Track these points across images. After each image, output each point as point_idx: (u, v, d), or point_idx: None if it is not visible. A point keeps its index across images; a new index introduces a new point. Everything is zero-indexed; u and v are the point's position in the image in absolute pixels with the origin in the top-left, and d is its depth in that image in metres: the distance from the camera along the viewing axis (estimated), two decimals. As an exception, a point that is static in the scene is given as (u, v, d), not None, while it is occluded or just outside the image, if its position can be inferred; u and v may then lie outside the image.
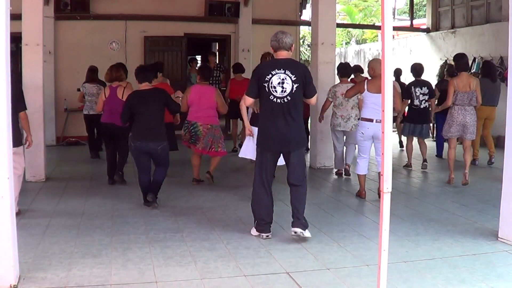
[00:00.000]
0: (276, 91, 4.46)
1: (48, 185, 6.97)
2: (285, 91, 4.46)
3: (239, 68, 9.83)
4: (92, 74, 9.16)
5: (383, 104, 2.95)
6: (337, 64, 8.06)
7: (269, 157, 4.67)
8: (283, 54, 4.57)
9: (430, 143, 9.65)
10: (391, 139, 3.04)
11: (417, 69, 8.22)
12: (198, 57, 17.06)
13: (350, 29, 25.21)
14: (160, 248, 4.44)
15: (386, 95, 2.92)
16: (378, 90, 5.77)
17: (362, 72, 10.02)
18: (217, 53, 15.07)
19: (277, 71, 4.47)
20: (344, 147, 7.76)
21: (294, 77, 4.47)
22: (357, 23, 23.46)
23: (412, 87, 8.08)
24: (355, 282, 3.74)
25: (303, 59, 21.22)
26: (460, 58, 7.03)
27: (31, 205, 5.87)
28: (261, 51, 12.41)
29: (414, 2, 16.55)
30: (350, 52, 20.09)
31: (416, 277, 3.84)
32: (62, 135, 11.09)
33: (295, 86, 4.47)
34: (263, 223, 4.68)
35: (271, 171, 4.74)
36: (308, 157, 9.02)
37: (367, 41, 23.96)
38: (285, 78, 4.46)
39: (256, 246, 4.51)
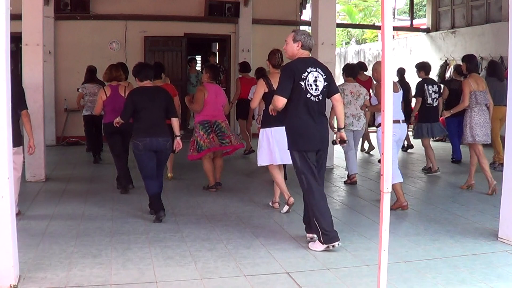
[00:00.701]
0: (312, 89, 4.41)
1: (48, 185, 6.98)
2: (318, 89, 4.44)
3: (246, 67, 9.77)
4: (91, 74, 9.13)
5: (383, 104, 2.95)
6: (337, 64, 8.05)
7: (311, 158, 4.46)
8: (307, 54, 4.55)
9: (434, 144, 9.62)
10: (390, 139, 3.04)
11: (427, 67, 8.07)
12: (198, 57, 17.06)
13: (350, 29, 25.23)
14: (160, 248, 4.44)
15: (386, 95, 2.93)
16: (394, 89, 5.72)
17: (366, 70, 9.99)
18: (217, 53, 15.06)
19: (311, 69, 4.42)
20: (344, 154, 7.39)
21: (325, 75, 4.48)
22: (357, 23, 23.47)
23: (425, 85, 7.87)
24: (355, 282, 3.74)
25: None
26: (471, 59, 6.84)
27: (31, 205, 5.87)
28: (261, 51, 12.46)
29: (414, 2, 16.55)
30: (350, 52, 20.10)
31: (416, 277, 3.84)
32: (62, 135, 11.10)
33: (325, 84, 4.48)
34: (331, 232, 4.36)
35: (315, 170, 4.48)
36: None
37: (367, 41, 23.98)
38: (318, 76, 4.43)
39: (256, 246, 4.51)
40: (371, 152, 9.99)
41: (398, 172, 5.77)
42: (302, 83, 4.38)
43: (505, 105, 8.00)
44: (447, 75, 12.67)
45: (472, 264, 4.10)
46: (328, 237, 4.33)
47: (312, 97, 4.42)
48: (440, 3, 13.65)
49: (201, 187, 6.84)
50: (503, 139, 8.27)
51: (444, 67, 12.83)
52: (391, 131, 3.01)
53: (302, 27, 14.41)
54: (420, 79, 8.01)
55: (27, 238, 4.54)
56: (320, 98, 4.47)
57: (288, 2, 12.89)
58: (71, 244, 4.49)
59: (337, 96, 4.60)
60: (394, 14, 19.86)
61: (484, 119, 6.56)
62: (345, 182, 7.27)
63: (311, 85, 4.40)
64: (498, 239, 4.65)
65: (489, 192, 6.44)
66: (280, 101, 4.38)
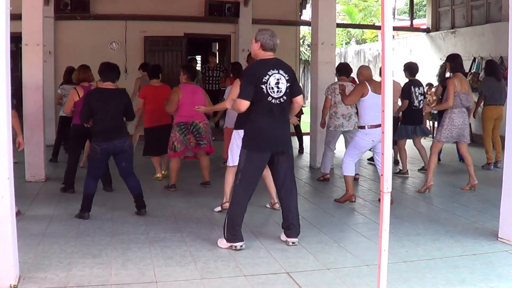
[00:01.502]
0: (273, 92, 4.35)
1: (48, 185, 6.97)
2: (281, 91, 4.38)
3: (238, 69, 9.76)
4: (70, 75, 8.99)
5: (383, 104, 2.95)
6: (337, 64, 8.01)
7: (260, 159, 4.47)
8: (271, 55, 4.45)
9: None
10: (390, 139, 3.04)
11: (413, 68, 7.84)
12: (198, 57, 17.06)
13: (350, 29, 25.24)
14: (160, 248, 4.44)
15: (386, 95, 2.93)
16: (377, 90, 5.72)
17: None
18: (217, 53, 15.08)
19: (272, 71, 4.36)
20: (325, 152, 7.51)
21: (287, 76, 4.41)
22: (357, 23, 23.47)
23: (412, 87, 7.79)
24: (355, 282, 3.74)
25: (303, 59, 21.23)
26: (455, 58, 6.70)
27: (31, 205, 5.87)
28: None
29: (414, 2, 16.56)
30: (350, 52, 20.10)
31: (416, 277, 3.84)
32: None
33: (287, 85, 4.41)
34: (238, 230, 4.44)
35: (259, 174, 4.57)
36: (307, 157, 9.04)
37: (367, 41, 23.99)
38: (280, 78, 4.37)
39: (256, 246, 4.51)
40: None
41: (353, 166, 6.03)
42: (263, 86, 4.33)
43: (501, 105, 8.06)
44: (447, 75, 12.68)
45: (472, 264, 4.10)
46: (234, 236, 4.40)
47: (273, 100, 4.37)
48: (440, 3, 13.64)
49: (202, 187, 6.83)
50: (502, 139, 8.34)
51: (444, 67, 12.78)
52: (391, 131, 3.01)
53: (302, 27, 14.41)
54: (407, 80, 7.85)
55: (27, 238, 4.53)
56: (283, 100, 4.41)
57: (288, 2, 12.89)
58: (71, 244, 4.49)
59: (298, 98, 4.54)
60: (394, 14, 19.87)
61: (463, 121, 6.49)
62: (318, 179, 7.48)
63: (272, 88, 4.34)
64: (498, 239, 4.65)
65: (423, 189, 6.61)
66: (243, 105, 4.37)
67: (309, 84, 9.88)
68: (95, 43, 11.31)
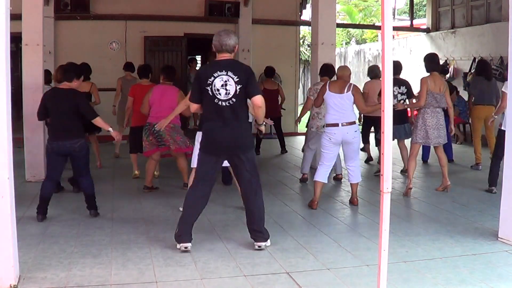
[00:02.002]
0: (220, 94, 4.24)
1: (48, 185, 6.96)
2: (228, 93, 4.24)
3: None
4: (48, 76, 8.98)
5: (383, 104, 2.95)
6: (337, 64, 7.99)
7: (211, 161, 4.42)
8: (224, 56, 4.34)
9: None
10: (390, 139, 3.04)
11: (395, 67, 7.52)
12: (198, 57, 17.06)
13: (350, 29, 25.24)
14: (160, 248, 4.44)
15: (386, 95, 2.92)
16: (339, 90, 5.68)
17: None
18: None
19: (219, 73, 4.25)
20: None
21: (237, 78, 4.24)
22: (357, 23, 23.47)
23: None
24: (355, 282, 3.74)
25: (303, 59, 21.22)
26: (432, 57, 6.55)
27: (31, 205, 5.86)
28: (261, 51, 12.54)
29: (414, 2, 16.56)
30: (350, 52, 20.10)
31: (416, 277, 3.84)
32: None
33: (238, 87, 4.24)
34: (186, 231, 4.37)
35: (212, 177, 4.48)
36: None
37: (367, 41, 23.99)
38: (228, 80, 4.24)
39: (254, 245, 4.50)
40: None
41: (323, 172, 5.82)
42: (208, 88, 4.26)
43: (492, 105, 7.97)
44: (447, 75, 12.68)
45: (472, 264, 4.10)
46: (179, 237, 4.36)
47: (221, 102, 4.26)
48: (440, 3, 13.65)
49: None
50: (484, 138, 8.35)
51: (444, 67, 12.82)
52: (391, 131, 3.01)
53: (302, 27, 14.40)
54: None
55: (27, 238, 4.54)
56: (232, 102, 4.26)
57: (288, 2, 12.89)
58: (71, 244, 4.49)
59: (254, 100, 4.29)
60: (394, 14, 19.87)
61: (437, 122, 6.35)
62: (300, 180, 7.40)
63: (218, 90, 4.24)
64: (498, 239, 4.66)
65: (404, 193, 6.46)
66: (192, 106, 4.46)
67: (309, 84, 9.88)
68: (95, 43, 11.31)
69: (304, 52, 21.72)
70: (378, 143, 9.15)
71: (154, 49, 11.93)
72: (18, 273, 3.70)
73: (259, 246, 4.40)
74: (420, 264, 4.09)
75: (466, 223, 5.27)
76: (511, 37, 4.51)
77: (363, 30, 23.92)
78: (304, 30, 20.64)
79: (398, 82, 7.60)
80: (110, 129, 5.38)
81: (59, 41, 11.16)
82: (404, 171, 7.91)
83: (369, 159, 9.05)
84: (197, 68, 14.16)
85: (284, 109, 10.67)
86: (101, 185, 7.00)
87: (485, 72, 8.22)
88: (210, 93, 4.27)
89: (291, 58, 13.06)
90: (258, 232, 4.44)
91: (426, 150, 8.63)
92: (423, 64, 6.66)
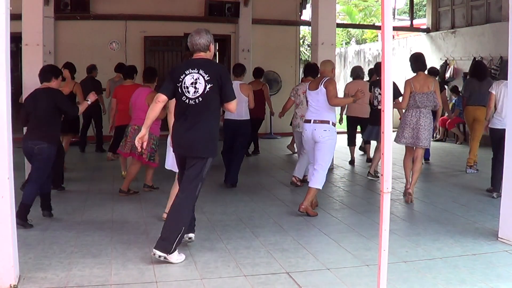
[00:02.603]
0: (188, 92, 4.12)
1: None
2: (197, 91, 4.11)
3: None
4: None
5: (383, 104, 2.95)
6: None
7: (178, 160, 4.34)
8: (199, 55, 4.24)
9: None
10: (390, 139, 3.04)
11: (379, 68, 7.69)
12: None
13: (350, 29, 25.24)
14: (160, 248, 4.44)
15: (386, 95, 2.93)
16: (315, 86, 5.60)
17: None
18: (217, 53, 15.07)
19: (190, 70, 4.15)
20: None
21: (208, 77, 4.11)
22: (357, 23, 23.47)
23: (372, 87, 7.72)
24: (355, 282, 3.74)
25: (303, 59, 21.23)
26: (417, 57, 6.36)
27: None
28: (261, 51, 12.54)
29: (414, 2, 16.57)
30: (350, 52, 20.10)
31: (416, 277, 3.84)
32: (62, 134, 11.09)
33: (208, 86, 4.10)
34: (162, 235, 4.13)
35: (181, 175, 4.31)
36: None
37: (367, 41, 23.99)
38: (198, 78, 4.12)
39: (256, 246, 4.51)
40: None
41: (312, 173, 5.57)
42: (179, 85, 4.16)
43: (480, 106, 7.86)
44: (447, 75, 12.69)
45: (472, 264, 4.10)
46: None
47: (188, 100, 4.13)
48: (440, 3, 13.65)
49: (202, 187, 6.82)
50: (483, 138, 8.29)
51: (444, 67, 12.84)
52: (391, 131, 3.01)
53: (302, 27, 14.40)
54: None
55: (27, 237, 4.54)
56: (199, 101, 4.11)
57: (288, 2, 12.90)
58: (71, 244, 4.49)
59: (228, 105, 4.18)
60: (394, 14, 19.87)
61: (417, 122, 6.08)
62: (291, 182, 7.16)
63: (187, 87, 4.12)
64: (498, 239, 4.66)
65: (408, 200, 6.15)
66: (158, 97, 4.17)
67: (309, 84, 9.91)
68: (95, 43, 11.33)
69: (304, 52, 21.73)
70: (366, 142, 9.19)
71: (154, 49, 11.94)
72: (18, 273, 3.70)
73: (154, 254, 4.07)
74: (420, 264, 4.09)
75: (466, 223, 5.27)
76: (511, 37, 4.51)
77: (363, 30, 23.93)
78: (304, 30, 20.64)
79: (380, 83, 7.57)
80: (89, 100, 5.47)
81: (59, 41, 11.18)
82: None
83: (368, 160, 9.03)
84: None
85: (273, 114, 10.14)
86: (101, 185, 7.02)
87: (477, 73, 8.12)
88: (180, 90, 4.17)
89: (291, 58, 13.07)
90: (160, 240, 4.11)
91: (427, 149, 8.60)
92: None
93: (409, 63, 6.42)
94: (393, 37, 15.81)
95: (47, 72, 5.44)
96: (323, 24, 8.13)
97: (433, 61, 13.05)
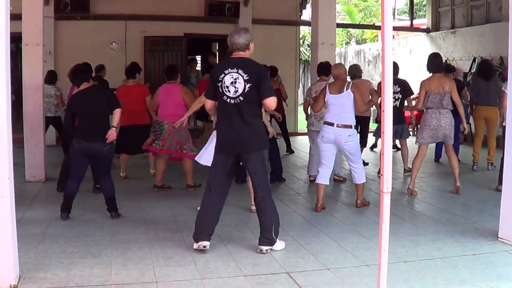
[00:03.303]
0: (229, 91, 4.21)
1: (48, 185, 6.97)
2: (237, 91, 4.19)
3: (207, 70, 10.12)
4: (49, 77, 8.99)
5: (383, 104, 2.95)
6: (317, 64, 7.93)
7: (222, 160, 4.38)
8: (238, 54, 4.33)
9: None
10: (390, 139, 3.04)
11: (393, 67, 7.84)
12: (198, 57, 17.05)
13: (350, 29, 25.23)
14: (160, 248, 4.44)
15: (386, 95, 2.92)
16: (339, 90, 5.65)
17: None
18: (217, 53, 15.07)
19: (230, 70, 4.22)
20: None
21: (247, 76, 4.18)
22: (357, 23, 23.47)
23: None
24: (355, 282, 3.74)
25: (303, 59, 21.22)
26: (433, 58, 6.52)
27: (31, 205, 5.86)
28: (261, 51, 12.50)
29: (414, 2, 16.56)
30: (350, 52, 20.10)
31: (416, 277, 3.84)
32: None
33: (247, 85, 4.18)
34: (200, 232, 4.37)
35: (222, 175, 4.40)
36: (307, 157, 9.02)
37: (367, 41, 23.99)
38: (238, 78, 4.19)
39: (256, 246, 4.50)
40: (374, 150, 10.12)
41: (324, 174, 5.74)
42: (219, 85, 4.25)
43: (490, 105, 7.93)
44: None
45: (472, 264, 4.10)
46: (196, 236, 4.37)
47: (229, 100, 4.22)
48: (440, 3, 13.65)
49: (202, 187, 6.83)
50: (501, 138, 8.32)
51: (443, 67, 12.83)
52: (391, 131, 3.01)
53: (302, 27, 14.40)
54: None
55: (27, 238, 4.53)
56: (240, 101, 4.20)
57: (288, 2, 12.89)
58: (71, 244, 4.49)
59: (266, 102, 4.24)
60: (394, 14, 19.87)
61: (438, 122, 6.25)
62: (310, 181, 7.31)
63: (227, 87, 4.21)
64: (498, 239, 4.65)
65: (408, 194, 6.46)
66: (207, 103, 4.44)
67: (309, 84, 9.89)
68: (95, 43, 11.32)
69: (304, 52, 21.73)
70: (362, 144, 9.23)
71: (154, 49, 11.93)
72: (18, 273, 3.70)
73: (260, 250, 4.33)
74: (420, 264, 4.09)
75: (466, 223, 5.27)
76: (511, 37, 4.51)
77: (363, 30, 23.92)
78: (304, 30, 20.64)
79: (396, 81, 7.64)
80: (116, 127, 5.35)
81: (59, 41, 11.17)
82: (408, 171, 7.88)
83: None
84: (197, 68, 14.17)
85: (287, 105, 10.62)
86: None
87: (485, 73, 8.19)
88: (220, 90, 4.26)
89: (291, 58, 13.06)
90: (261, 238, 4.37)
91: (439, 148, 8.71)
92: (423, 64, 6.65)
93: (427, 62, 6.54)
94: (393, 37, 15.80)
95: (83, 73, 5.53)
96: (323, 24, 8.12)
97: (433, 61, 13.05)
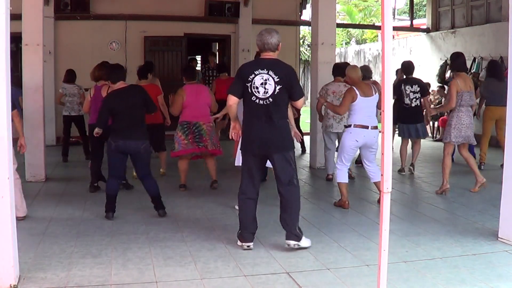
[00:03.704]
0: (258, 92, 4.23)
1: (48, 185, 6.97)
2: (267, 92, 4.22)
3: (221, 68, 10.19)
4: (69, 75, 9.04)
5: (383, 104, 2.95)
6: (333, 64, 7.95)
7: (252, 161, 4.43)
8: (268, 55, 4.35)
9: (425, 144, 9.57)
10: (390, 139, 3.04)
11: (407, 67, 7.90)
12: (198, 57, 17.06)
13: (350, 29, 25.25)
14: (160, 248, 4.44)
15: (386, 95, 2.92)
16: (369, 93, 5.67)
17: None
18: (217, 53, 15.08)
19: (260, 71, 4.24)
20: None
21: (277, 78, 4.22)
22: (357, 23, 23.48)
23: (402, 84, 7.76)
24: (355, 282, 3.74)
25: (303, 59, 21.23)
26: (458, 57, 6.58)
27: (31, 205, 5.85)
28: (261, 51, 12.54)
29: (414, 2, 16.56)
30: (350, 52, 20.11)
31: (416, 277, 3.84)
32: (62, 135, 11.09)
33: (277, 87, 4.21)
34: (245, 232, 4.46)
35: (256, 175, 4.48)
36: (307, 157, 9.04)
37: (367, 41, 24.00)
38: (268, 79, 4.22)
39: (256, 246, 4.50)
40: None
41: (345, 172, 5.87)
42: (248, 85, 4.26)
43: (503, 106, 7.95)
44: (447, 75, 12.68)
45: (472, 264, 4.10)
46: (241, 235, 4.45)
47: (258, 100, 4.24)
48: (440, 3, 13.65)
49: (202, 187, 6.84)
50: (493, 139, 8.32)
51: (444, 67, 12.81)
52: (391, 131, 3.01)
53: (302, 27, 14.39)
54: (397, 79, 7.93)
55: (27, 237, 4.54)
56: (269, 102, 4.24)
57: (288, 2, 12.90)
58: (71, 244, 4.49)
59: (297, 103, 4.42)
60: (394, 14, 19.87)
61: (470, 121, 6.40)
62: (326, 179, 7.44)
63: (257, 88, 4.23)
64: (498, 239, 4.65)
65: (439, 191, 6.55)
66: (229, 99, 4.35)
67: (309, 84, 9.90)
68: (95, 43, 11.32)
69: (304, 52, 21.75)
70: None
71: (154, 49, 11.93)
72: (18, 273, 3.70)
73: (288, 245, 4.38)
74: (420, 264, 4.09)
75: (466, 223, 5.27)
76: (511, 37, 4.51)
77: (363, 30, 23.95)
78: (304, 30, 20.66)
79: (410, 81, 7.79)
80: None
81: (59, 41, 11.17)
82: (399, 171, 7.91)
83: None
84: (197, 68, 14.17)
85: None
86: (101, 185, 7.01)
87: (496, 73, 8.27)
88: (249, 90, 4.27)
89: (291, 58, 13.04)
90: (289, 232, 4.41)
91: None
92: (423, 64, 6.68)
93: (451, 62, 6.67)
94: (393, 37, 15.81)
95: (120, 70, 5.55)
96: (323, 24, 8.13)
97: (433, 61, 13.05)
